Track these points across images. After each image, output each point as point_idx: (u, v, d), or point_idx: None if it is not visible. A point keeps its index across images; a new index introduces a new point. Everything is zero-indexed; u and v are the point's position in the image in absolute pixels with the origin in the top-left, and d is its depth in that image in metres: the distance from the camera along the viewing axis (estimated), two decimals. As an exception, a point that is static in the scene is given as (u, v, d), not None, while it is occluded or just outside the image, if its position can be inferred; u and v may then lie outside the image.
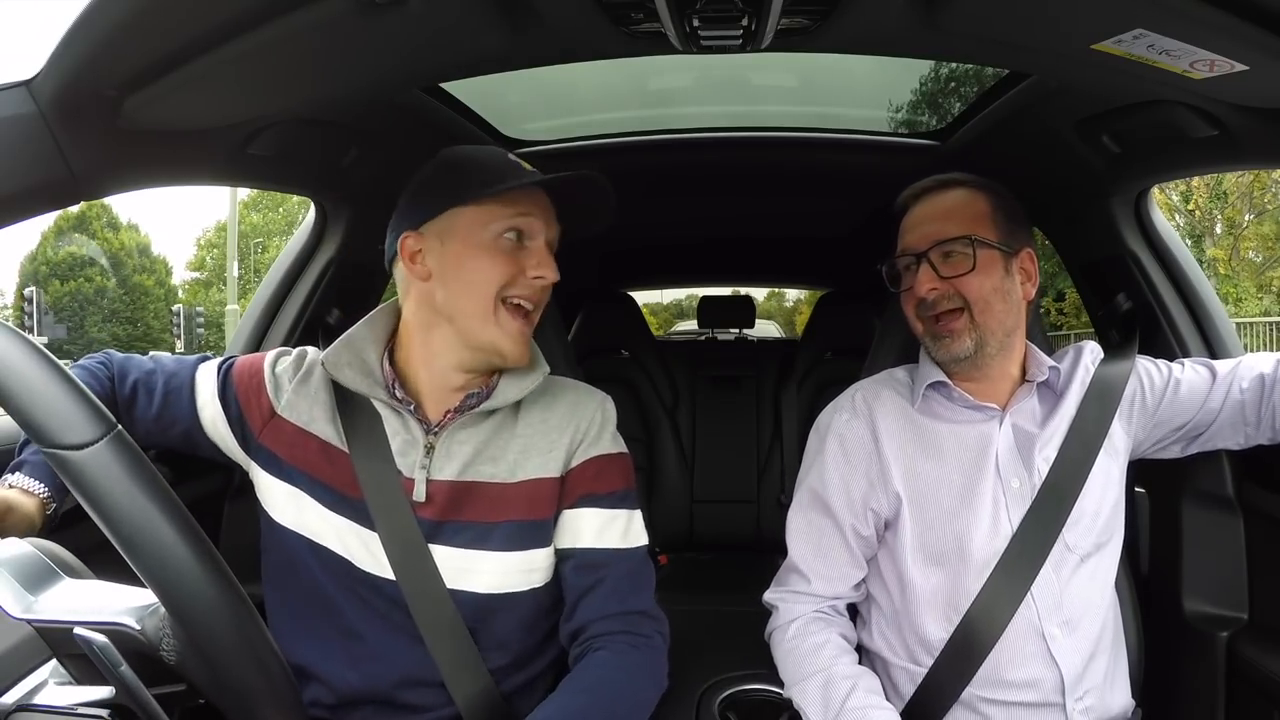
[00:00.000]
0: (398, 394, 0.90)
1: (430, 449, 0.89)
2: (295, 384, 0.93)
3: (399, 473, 0.88)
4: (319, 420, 0.91)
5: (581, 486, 0.92)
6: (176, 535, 0.53)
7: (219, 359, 0.98)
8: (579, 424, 0.94)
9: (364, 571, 0.87)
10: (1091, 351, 1.07)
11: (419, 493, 0.87)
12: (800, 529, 1.06)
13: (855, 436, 1.03)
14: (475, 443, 0.90)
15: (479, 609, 0.87)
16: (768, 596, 1.07)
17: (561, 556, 0.92)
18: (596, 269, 2.60)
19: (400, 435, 0.89)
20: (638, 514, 0.96)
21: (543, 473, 0.91)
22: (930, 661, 0.95)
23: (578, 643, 0.90)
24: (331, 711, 0.89)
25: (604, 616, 0.89)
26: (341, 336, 0.92)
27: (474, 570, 0.87)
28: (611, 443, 0.96)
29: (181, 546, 0.53)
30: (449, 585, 0.86)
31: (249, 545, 1.06)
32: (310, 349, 0.99)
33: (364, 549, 0.87)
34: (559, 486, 0.91)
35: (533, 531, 0.89)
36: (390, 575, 0.86)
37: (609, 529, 0.92)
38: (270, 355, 0.96)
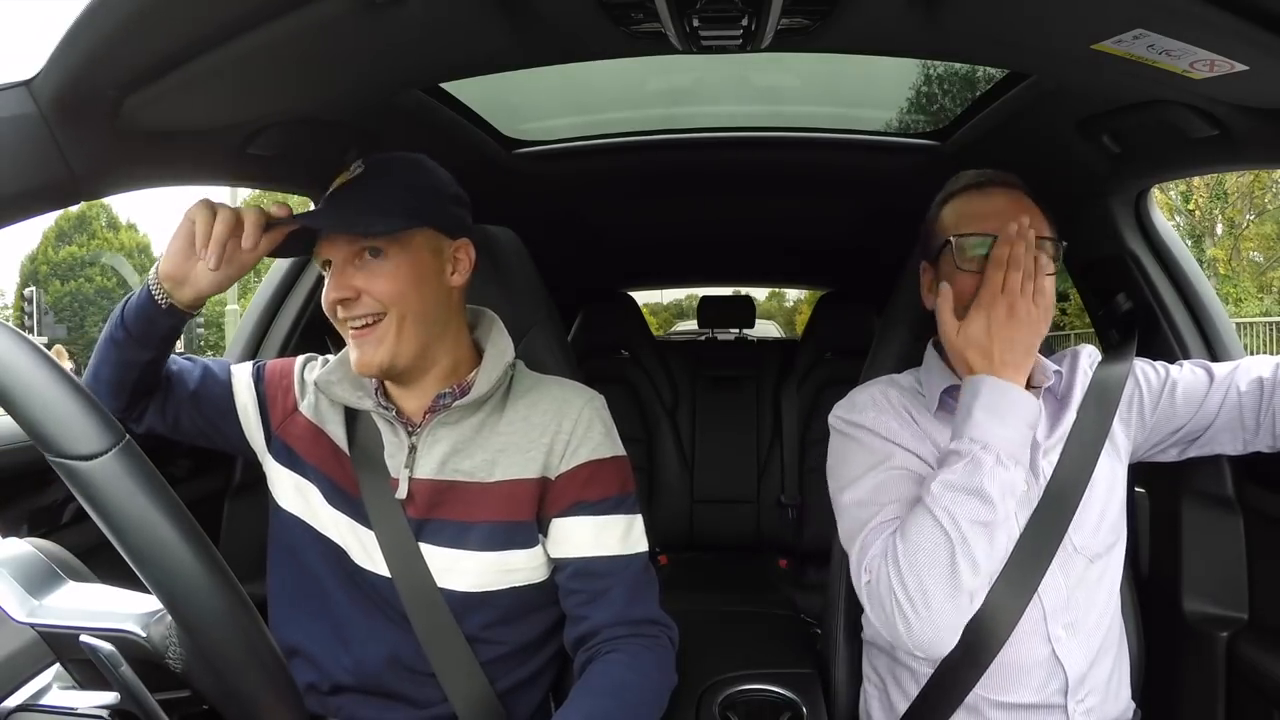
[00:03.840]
0: (382, 403, 0.92)
1: (413, 449, 0.91)
2: (315, 389, 0.96)
3: (389, 474, 0.91)
4: (332, 423, 0.95)
5: (572, 493, 0.90)
6: (185, 547, 0.53)
7: (250, 361, 1.03)
8: (562, 423, 0.92)
9: (359, 566, 0.90)
10: (1089, 354, 1.07)
11: (401, 490, 0.89)
12: (847, 504, 0.94)
13: (880, 420, 0.99)
14: (452, 439, 0.90)
15: (461, 605, 0.88)
16: (857, 576, 0.90)
17: (558, 566, 0.92)
18: (596, 269, 2.60)
19: (391, 440, 0.92)
20: (638, 519, 0.94)
21: (521, 473, 0.90)
22: (938, 662, 0.95)
23: (585, 648, 0.90)
24: (325, 700, 0.91)
25: (611, 624, 0.89)
26: (337, 355, 0.96)
27: (455, 569, 0.89)
28: (603, 444, 0.93)
29: (190, 558, 0.53)
30: (436, 583, 0.88)
31: (250, 544, 1.06)
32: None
33: (360, 546, 0.90)
34: (539, 489, 0.90)
35: (511, 533, 0.89)
36: (385, 573, 0.89)
37: (605, 535, 0.91)
38: (301, 359, 1.01)
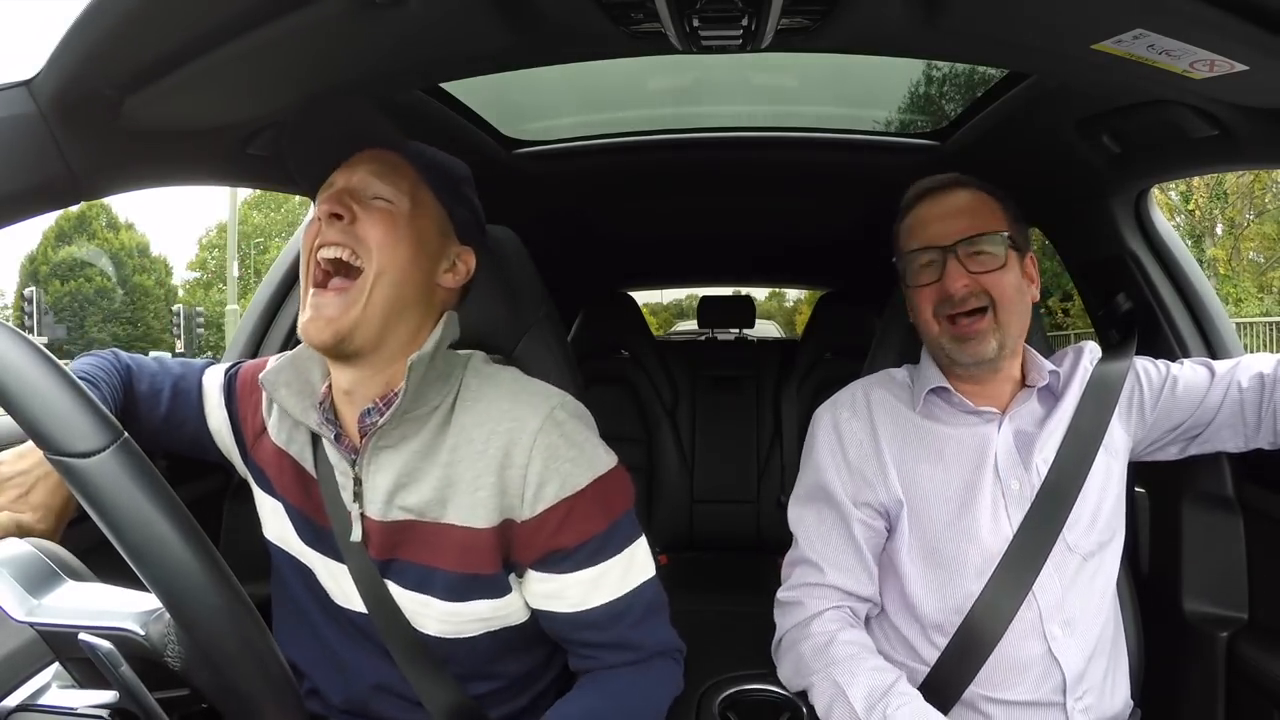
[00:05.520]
0: (329, 417, 0.81)
1: (359, 481, 0.79)
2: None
3: (345, 509, 0.80)
4: (297, 442, 0.85)
5: (542, 542, 0.76)
6: (183, 544, 0.53)
7: (225, 364, 0.97)
8: (513, 454, 0.75)
9: (337, 605, 0.84)
10: (1091, 352, 1.07)
11: (355, 532, 0.78)
12: (804, 520, 1.03)
13: (853, 435, 1.02)
14: (395, 469, 0.77)
15: (439, 649, 0.81)
16: (782, 594, 1.01)
17: (545, 615, 0.81)
18: (596, 269, 2.60)
19: (338, 469, 0.81)
20: (637, 546, 0.81)
21: (470, 521, 0.76)
22: (932, 661, 0.95)
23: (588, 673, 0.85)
24: (324, 713, 0.89)
25: (622, 664, 0.83)
26: (288, 353, 0.85)
27: (424, 614, 0.79)
28: (575, 472, 0.76)
29: (188, 555, 0.53)
30: (411, 624, 0.81)
31: (249, 545, 1.06)
32: None
33: (334, 582, 0.83)
34: (498, 537, 0.76)
35: (472, 585, 0.78)
36: (361, 608, 0.81)
37: (599, 587, 0.78)
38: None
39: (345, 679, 0.85)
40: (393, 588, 0.79)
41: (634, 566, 0.81)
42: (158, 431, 0.91)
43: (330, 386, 0.83)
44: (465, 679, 0.83)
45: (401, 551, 0.79)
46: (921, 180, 1.05)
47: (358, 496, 0.79)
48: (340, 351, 0.76)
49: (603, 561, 0.79)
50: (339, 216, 0.75)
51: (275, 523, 0.88)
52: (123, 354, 0.94)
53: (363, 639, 0.83)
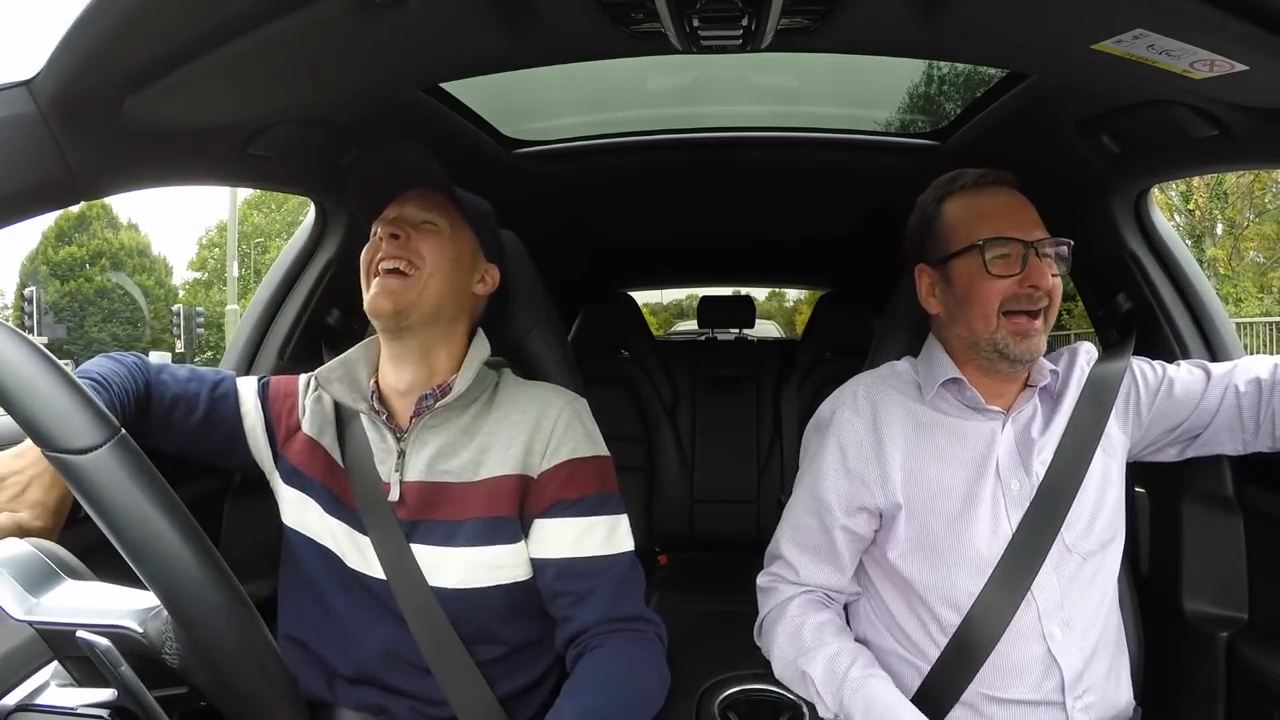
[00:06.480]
0: (375, 406, 0.96)
1: (402, 454, 0.94)
2: (312, 401, 1.00)
3: (380, 480, 0.93)
4: (326, 435, 0.98)
5: (552, 492, 0.93)
6: (180, 540, 0.53)
7: (255, 377, 1.05)
8: (541, 422, 0.95)
9: (354, 570, 0.93)
10: (1087, 352, 1.07)
11: (394, 493, 0.92)
12: (793, 513, 1.07)
13: (854, 437, 1.02)
14: (439, 442, 0.94)
15: (453, 604, 0.90)
16: (760, 579, 1.08)
17: (540, 566, 0.93)
18: (596, 269, 2.60)
19: (379, 445, 0.96)
20: (621, 519, 0.96)
21: (501, 470, 0.93)
22: (932, 659, 0.95)
23: (574, 646, 0.92)
24: (331, 690, 0.93)
25: (599, 622, 0.91)
26: (340, 355, 0.99)
27: (443, 567, 0.91)
28: (584, 443, 0.96)
29: (186, 552, 0.53)
30: (428, 582, 0.90)
31: (249, 545, 1.06)
32: None
33: (356, 550, 0.93)
34: (519, 485, 0.92)
35: (495, 528, 0.91)
36: (380, 575, 0.91)
37: (588, 537, 0.92)
38: (304, 378, 1.04)
39: (356, 649, 0.91)
40: (416, 548, 0.91)
41: (617, 534, 0.95)
42: (193, 433, 0.97)
43: (376, 382, 0.98)
44: (473, 641, 0.90)
45: (431, 511, 0.92)
46: (966, 170, 1.03)
47: (399, 467, 0.93)
48: (397, 324, 0.92)
49: (595, 516, 0.94)
50: (396, 236, 0.92)
51: (297, 509, 0.97)
52: (153, 362, 0.99)
53: (376, 605, 0.91)
